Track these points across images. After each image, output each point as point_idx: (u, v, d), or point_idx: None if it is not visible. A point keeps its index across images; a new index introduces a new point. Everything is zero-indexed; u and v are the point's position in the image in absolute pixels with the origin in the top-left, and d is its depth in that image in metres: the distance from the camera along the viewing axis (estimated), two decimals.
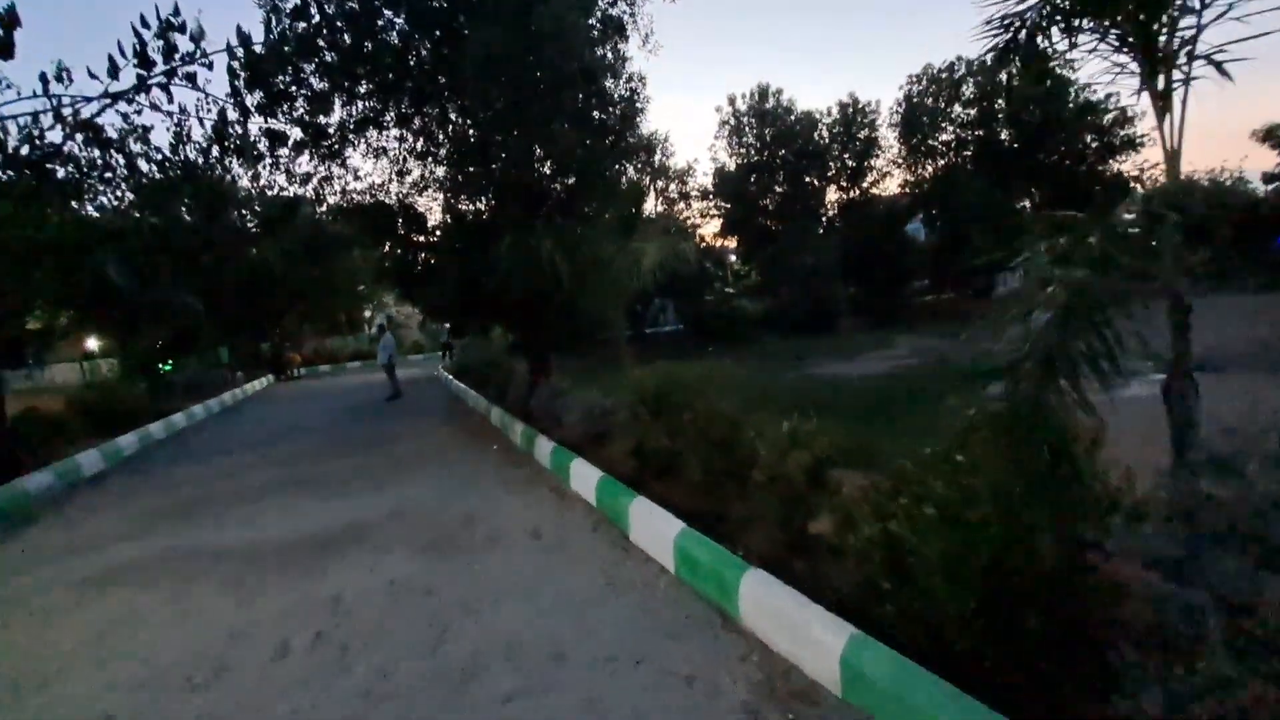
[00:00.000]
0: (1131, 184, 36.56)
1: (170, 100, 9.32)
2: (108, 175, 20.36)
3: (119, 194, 21.16)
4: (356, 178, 11.04)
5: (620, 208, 9.73)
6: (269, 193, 25.72)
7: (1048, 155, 33.60)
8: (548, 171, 9.92)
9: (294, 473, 8.88)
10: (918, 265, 32.42)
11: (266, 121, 6.76)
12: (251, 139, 7.98)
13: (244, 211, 26.88)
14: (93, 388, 13.39)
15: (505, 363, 17.46)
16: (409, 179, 11.15)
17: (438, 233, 11.21)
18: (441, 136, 10.47)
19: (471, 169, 9.80)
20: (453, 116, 10.01)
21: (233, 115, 7.58)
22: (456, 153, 9.92)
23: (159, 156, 19.56)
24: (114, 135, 11.05)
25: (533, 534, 5.63)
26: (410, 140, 10.36)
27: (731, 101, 34.62)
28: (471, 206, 10.53)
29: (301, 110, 8.70)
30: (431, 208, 11.25)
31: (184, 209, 22.15)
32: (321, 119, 9.64)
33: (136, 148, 16.00)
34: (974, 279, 33.20)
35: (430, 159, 10.84)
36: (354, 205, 11.00)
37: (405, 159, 10.93)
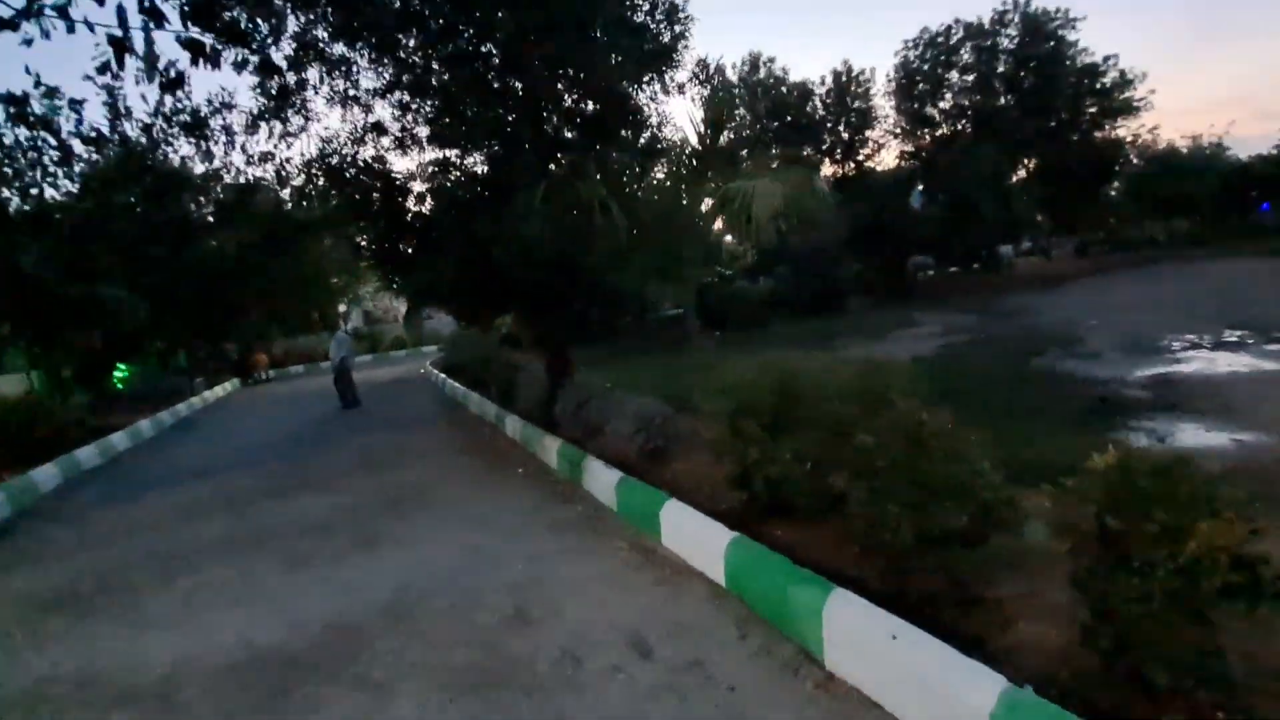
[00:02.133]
0: (1128, 148, 35.18)
1: (71, 28, 6.60)
2: (36, 158, 17.37)
3: (52, 179, 18.18)
4: (326, 141, 8.52)
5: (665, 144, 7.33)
6: (225, 177, 23.00)
7: (1046, 121, 31.91)
8: (575, 101, 7.48)
9: (251, 520, 6.46)
10: (923, 240, 30.51)
11: (188, 28, 4.35)
12: (166, 64, 5.42)
13: (202, 199, 23.92)
14: (14, 408, 10.75)
15: (503, 357, 15.07)
16: (385, 139, 8.69)
17: (428, 199, 8.74)
18: (433, 79, 7.99)
19: (475, 109, 7.36)
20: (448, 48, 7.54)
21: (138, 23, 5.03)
22: (454, 89, 7.45)
23: (93, 134, 16.60)
24: (40, 111, 8.53)
25: (636, 646, 3.36)
26: (391, 72, 7.86)
27: (721, 72, 32.25)
28: (477, 158, 8.08)
29: (240, 18, 6.17)
30: (419, 168, 8.79)
31: (128, 194, 19.25)
32: (269, 42, 7.11)
33: (68, 126, 13.21)
34: (975, 253, 31.49)
35: (419, 102, 8.35)
36: (324, 168, 8.49)
37: (375, 103, 8.45)
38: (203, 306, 22.82)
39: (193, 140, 21.31)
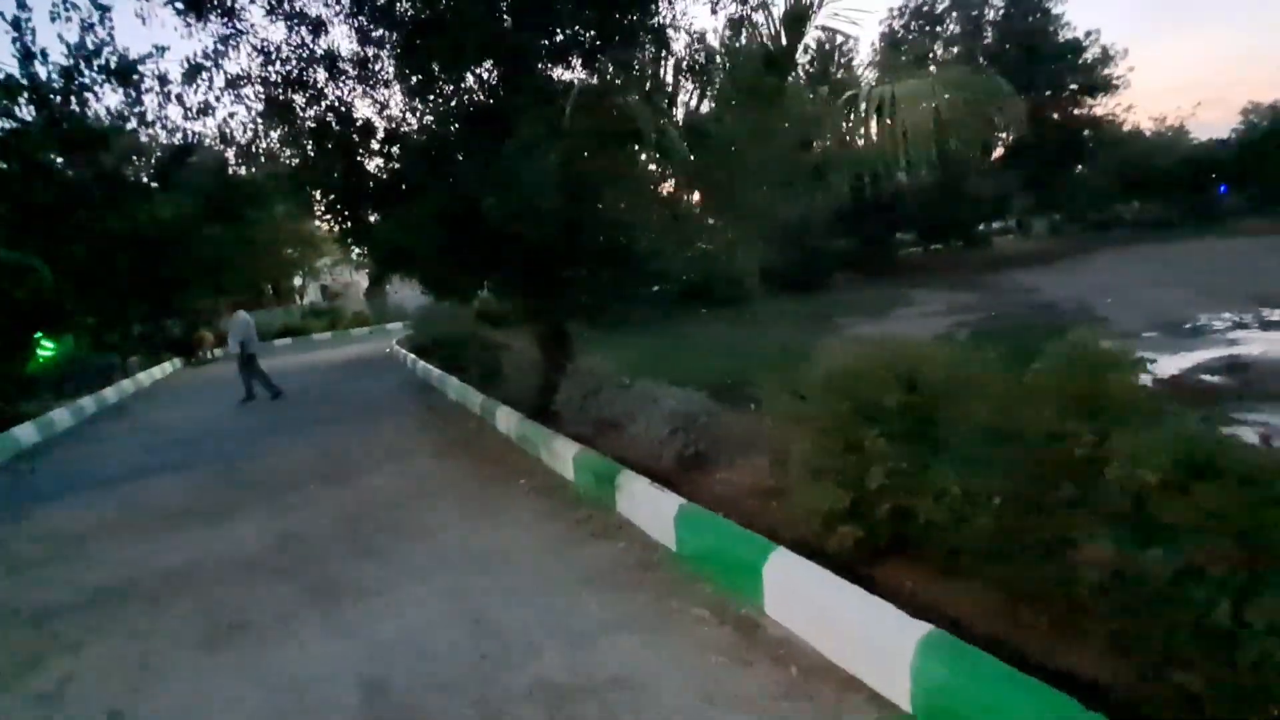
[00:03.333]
0: (1105, 127, 34.71)
1: None
2: None
3: None
4: (263, 53, 6.64)
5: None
6: (161, 133, 20.33)
7: (1028, 96, 31.06)
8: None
9: (163, 555, 4.77)
10: (903, 216, 29.47)
11: None
12: None
13: (136, 158, 21.21)
14: None
15: (481, 336, 13.36)
16: (344, 77, 6.85)
17: (396, 143, 6.96)
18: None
19: (464, 12, 5.55)
20: None
21: None
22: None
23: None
24: None
25: None
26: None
27: (701, 38, 30.41)
28: (468, 81, 6.27)
29: None
30: (385, 104, 6.99)
31: (41, 148, 16.61)
32: None
33: None
34: (959, 229, 30.69)
35: (385, 32, 6.55)
36: (265, 94, 6.64)
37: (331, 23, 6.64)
38: (137, 278, 20.32)
39: (120, 88, 18.81)
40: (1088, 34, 30.73)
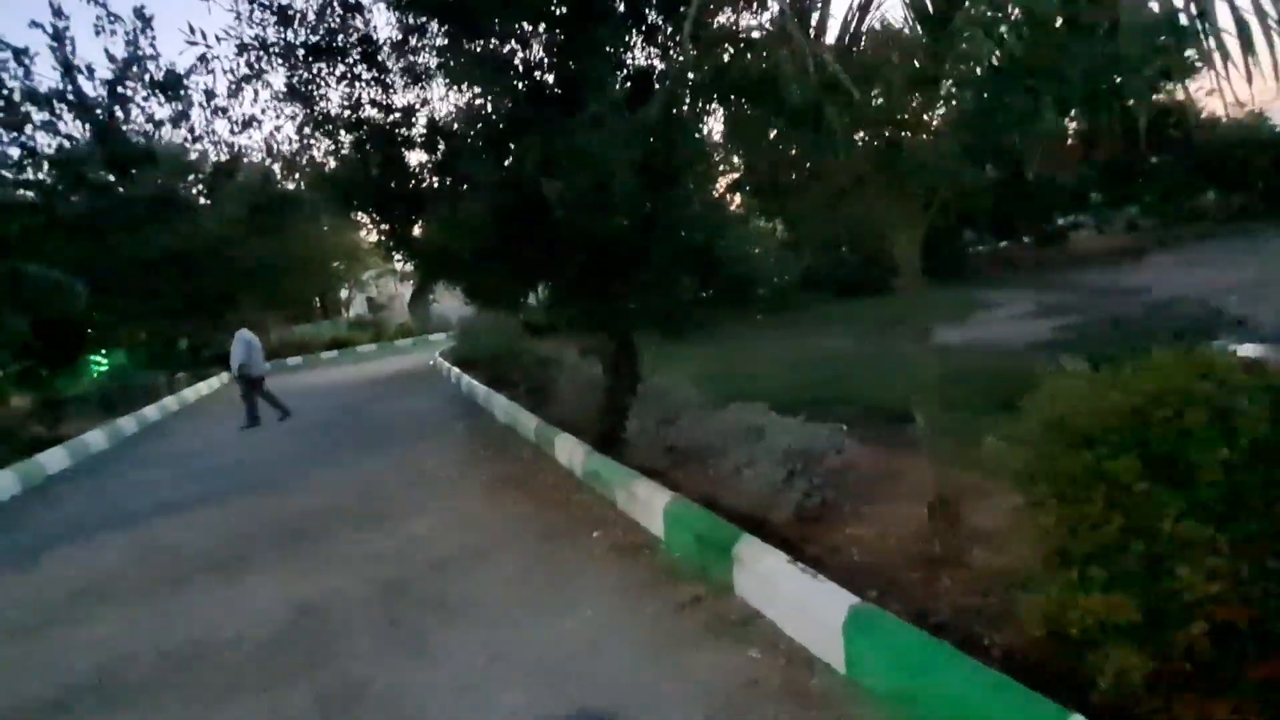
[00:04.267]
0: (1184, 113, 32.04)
1: None
2: None
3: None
4: (286, 20, 5.70)
5: None
6: (208, 147, 20.14)
7: (1106, 77, 28.76)
8: None
9: (161, 627, 3.79)
10: (969, 211, 27.52)
11: None
12: None
13: (190, 176, 21.08)
14: None
15: (530, 349, 12.37)
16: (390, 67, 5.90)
17: (441, 132, 5.93)
18: None
19: None
20: None
21: None
22: None
23: (44, 89, 13.65)
24: None
25: None
26: None
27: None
28: (531, 51, 5.14)
29: None
30: (429, 86, 5.97)
31: (85, 165, 16.42)
32: None
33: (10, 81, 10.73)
34: (1031, 225, 28.55)
35: (426, 20, 5.54)
36: (294, 78, 5.73)
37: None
38: (185, 293, 20.12)
39: (166, 101, 18.61)
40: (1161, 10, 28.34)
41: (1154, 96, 32.21)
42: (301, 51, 5.40)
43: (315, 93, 5.68)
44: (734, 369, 9.98)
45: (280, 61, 5.47)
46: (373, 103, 6.09)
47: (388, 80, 5.71)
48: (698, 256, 5.30)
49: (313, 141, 6.52)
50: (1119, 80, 3.10)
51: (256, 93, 6.41)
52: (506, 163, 5.07)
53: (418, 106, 5.80)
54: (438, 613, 3.53)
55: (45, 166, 15.98)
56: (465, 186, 5.48)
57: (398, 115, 6.15)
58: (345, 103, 5.87)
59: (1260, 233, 24.85)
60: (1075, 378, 2.63)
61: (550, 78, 4.94)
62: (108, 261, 15.55)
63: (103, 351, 19.77)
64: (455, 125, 5.95)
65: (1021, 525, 2.65)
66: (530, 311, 13.52)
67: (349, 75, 5.66)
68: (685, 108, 4.15)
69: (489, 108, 5.13)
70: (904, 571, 3.45)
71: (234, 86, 6.53)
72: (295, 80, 5.56)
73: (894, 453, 5.09)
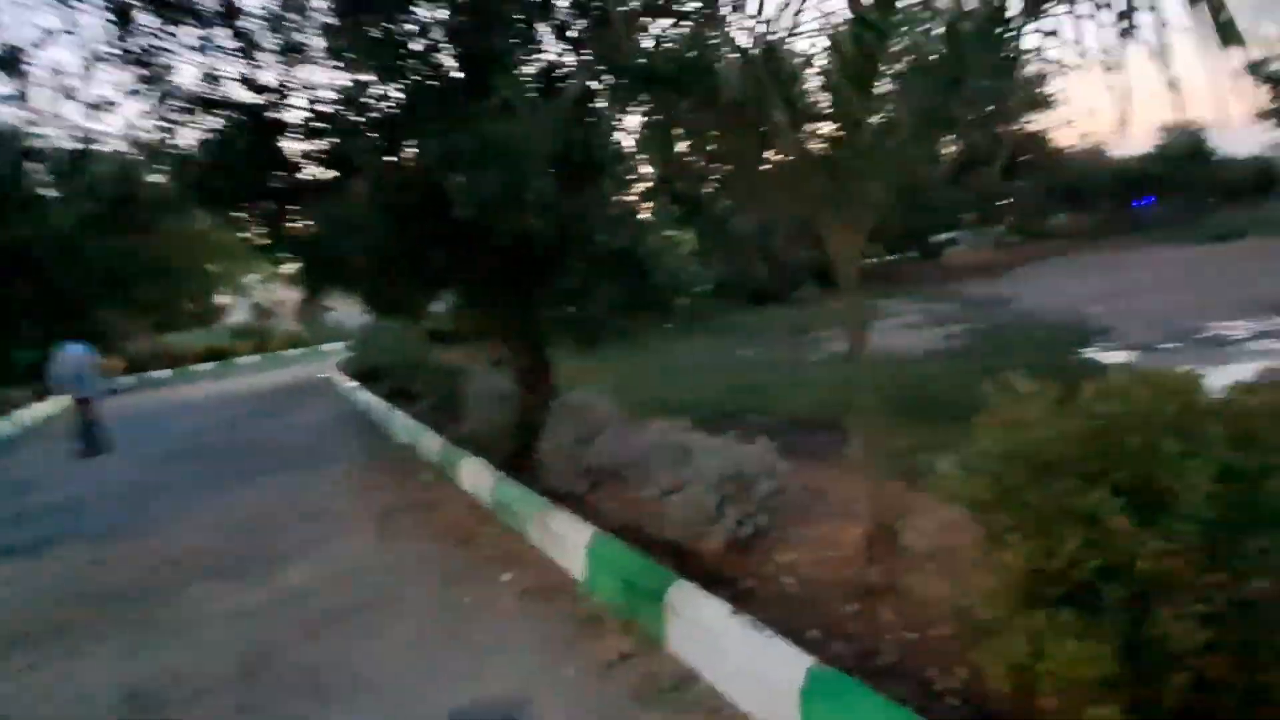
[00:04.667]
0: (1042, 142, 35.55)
1: None
2: None
3: None
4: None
5: None
6: (54, 132, 17.58)
7: (977, 108, 31.26)
8: None
9: None
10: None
11: None
12: None
13: (27, 164, 18.30)
14: None
15: (434, 360, 11.50)
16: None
17: (328, 119, 5.16)
18: None
19: None
20: None
21: None
22: None
23: None
24: None
25: None
26: None
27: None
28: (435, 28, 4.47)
29: None
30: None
31: None
32: None
33: None
34: (916, 240, 30.45)
35: None
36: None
37: None
38: (26, 297, 17.41)
39: (4, 76, 16.01)
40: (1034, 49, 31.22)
41: (1014, 127, 35.07)
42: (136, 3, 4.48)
43: (156, 60, 4.77)
44: (648, 379, 9.65)
45: (108, 10, 4.52)
46: (243, 79, 5.24)
47: (254, 55, 4.90)
48: (619, 262, 4.89)
49: (167, 123, 5.56)
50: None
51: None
52: (401, 155, 4.44)
53: (295, 88, 5.02)
54: (307, 696, 2.87)
55: None
56: (354, 180, 4.78)
57: (271, 96, 5.32)
58: (202, 77, 4.99)
59: (1106, 249, 27.78)
60: (1030, 400, 2.43)
61: (452, 61, 4.37)
62: None
63: None
64: (341, 110, 5.22)
65: (979, 559, 2.41)
66: (434, 318, 12.63)
67: (206, 43, 4.80)
68: (605, 98, 3.73)
69: (382, 92, 4.48)
70: (842, 604, 3.19)
71: (88, 64, 5.47)
72: (127, 43, 4.64)
73: (820, 466, 4.89)
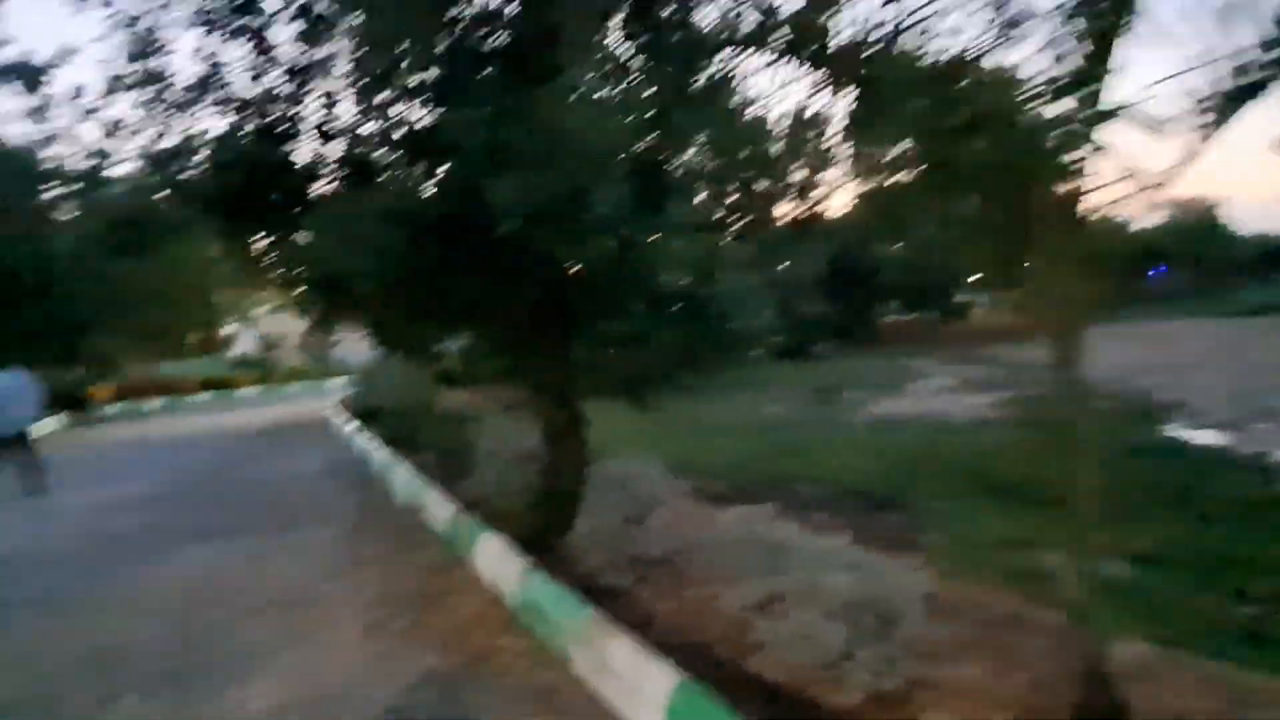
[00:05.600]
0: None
1: None
2: None
3: None
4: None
5: None
6: (70, 151, 17.10)
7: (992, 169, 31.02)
8: None
9: None
10: (885, 284, 28.26)
11: None
12: None
13: (38, 182, 17.75)
14: None
15: (443, 404, 10.47)
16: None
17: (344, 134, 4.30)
18: None
19: None
20: None
21: None
22: None
23: None
24: None
25: None
26: None
27: None
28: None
29: None
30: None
31: None
32: None
33: None
34: (939, 299, 29.68)
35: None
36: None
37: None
38: (27, 321, 16.52)
39: (21, 90, 15.55)
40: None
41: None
42: None
43: (152, 50, 3.94)
44: (675, 438, 8.57)
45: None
46: (251, 70, 4.39)
47: (265, 39, 4.05)
48: (686, 303, 3.92)
49: (164, 127, 4.72)
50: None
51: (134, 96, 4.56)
52: (428, 154, 3.53)
53: (313, 75, 4.15)
54: None
55: None
56: (371, 188, 3.86)
57: (287, 86, 4.46)
58: (202, 67, 4.15)
59: (1130, 319, 26.97)
60: None
61: (506, 34, 3.47)
62: None
63: None
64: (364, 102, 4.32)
65: None
66: (445, 357, 11.59)
67: (207, 21, 3.96)
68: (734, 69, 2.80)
69: (411, 70, 3.57)
70: None
71: (109, 86, 4.66)
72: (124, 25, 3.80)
73: (908, 556, 3.76)
